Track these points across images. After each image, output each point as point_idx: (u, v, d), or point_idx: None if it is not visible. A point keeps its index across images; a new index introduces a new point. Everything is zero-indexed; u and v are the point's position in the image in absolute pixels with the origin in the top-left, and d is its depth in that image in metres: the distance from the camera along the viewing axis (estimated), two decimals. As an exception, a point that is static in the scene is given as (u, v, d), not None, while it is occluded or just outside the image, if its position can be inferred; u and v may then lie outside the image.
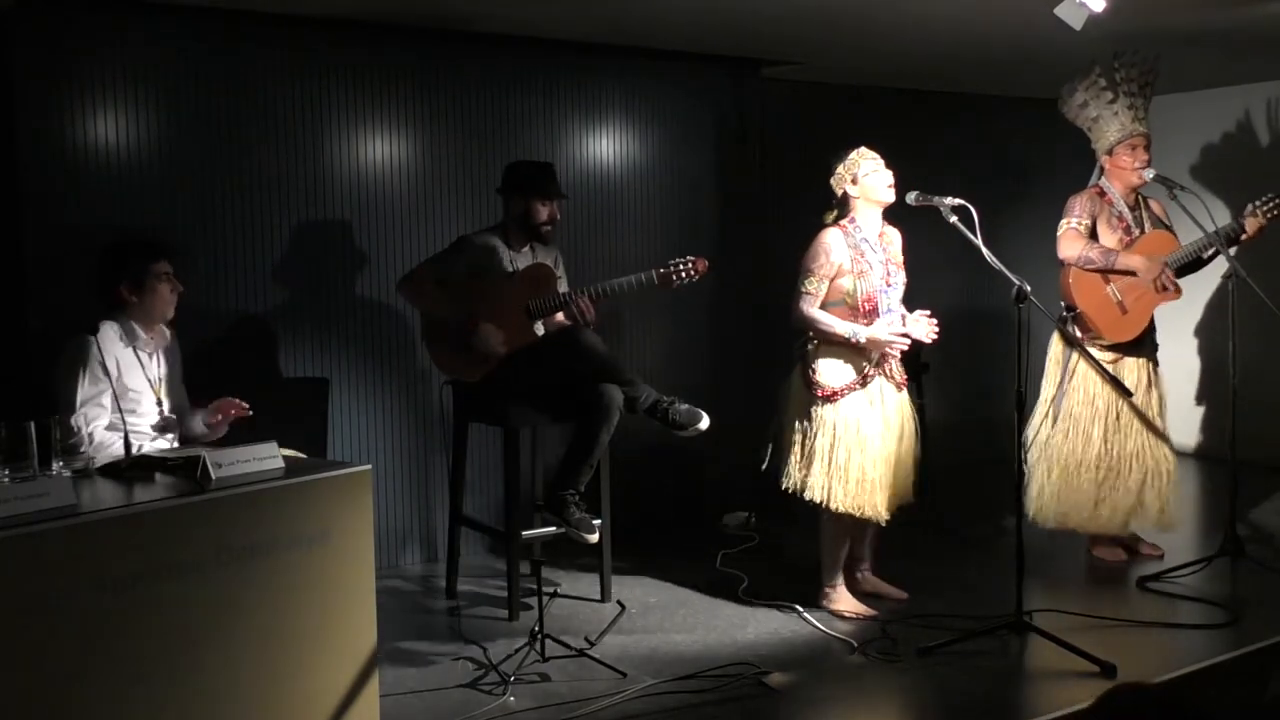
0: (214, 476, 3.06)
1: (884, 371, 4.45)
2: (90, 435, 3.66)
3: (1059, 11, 4.46)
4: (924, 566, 5.04)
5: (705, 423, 4.44)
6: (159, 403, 3.91)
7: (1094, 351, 5.06)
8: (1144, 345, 5.15)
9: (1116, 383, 5.02)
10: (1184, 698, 2.01)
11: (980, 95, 7.36)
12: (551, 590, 4.58)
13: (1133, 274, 5.01)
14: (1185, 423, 7.03)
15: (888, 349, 4.38)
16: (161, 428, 3.90)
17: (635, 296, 4.75)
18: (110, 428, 3.69)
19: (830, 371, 4.41)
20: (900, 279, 4.51)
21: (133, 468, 3.24)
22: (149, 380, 3.89)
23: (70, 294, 4.37)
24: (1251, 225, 5.03)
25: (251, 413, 3.95)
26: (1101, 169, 5.19)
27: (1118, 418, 5.08)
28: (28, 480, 2.81)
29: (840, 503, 4.39)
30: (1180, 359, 7.24)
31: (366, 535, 3.31)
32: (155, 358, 3.95)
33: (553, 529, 4.58)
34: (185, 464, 3.15)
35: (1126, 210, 5.11)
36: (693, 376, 5.99)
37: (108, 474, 3.24)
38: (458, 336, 4.59)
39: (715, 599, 4.79)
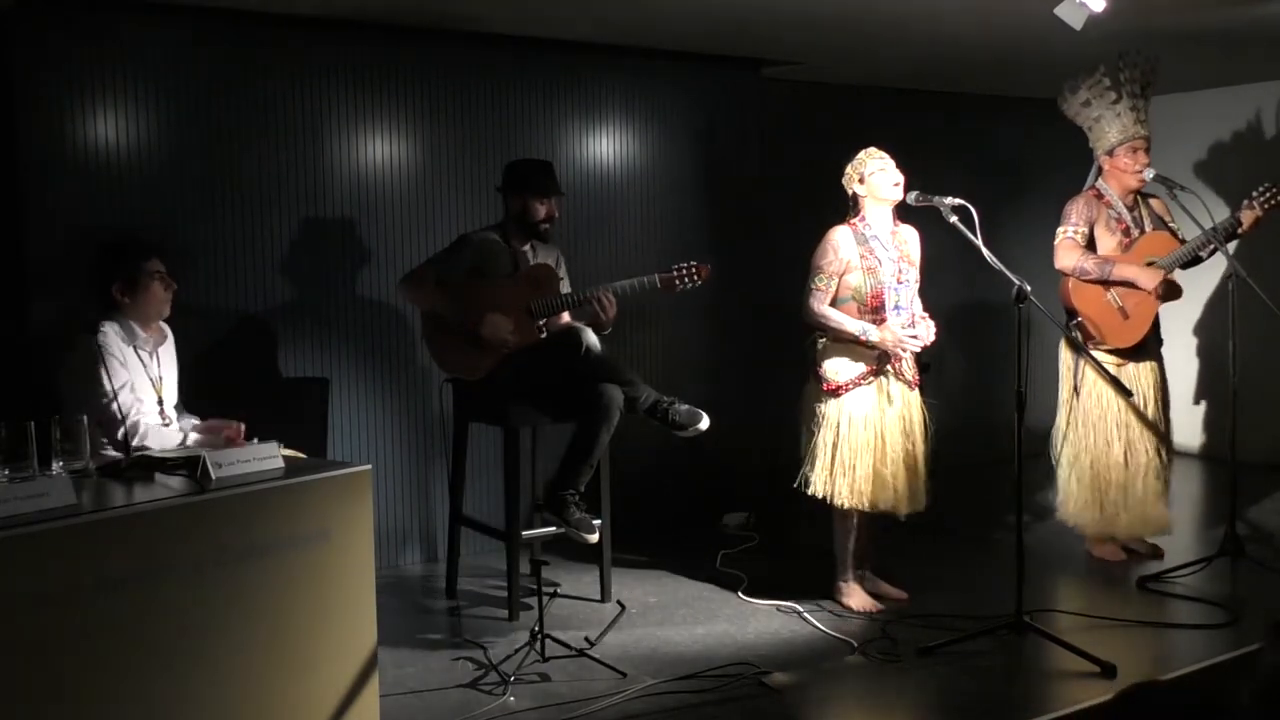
0: (214, 476, 3.06)
1: (895, 370, 4.46)
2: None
3: (1059, 11, 4.46)
4: (924, 566, 5.05)
5: (705, 423, 4.44)
6: (160, 401, 3.91)
7: (1099, 355, 5.06)
8: (1148, 349, 5.15)
9: (1116, 383, 5.02)
10: (1203, 695, 2.01)
11: (980, 95, 7.37)
12: (551, 590, 4.58)
13: (1132, 284, 5.01)
14: (1185, 423, 7.03)
15: (897, 348, 4.38)
16: (165, 426, 3.90)
17: (636, 298, 4.75)
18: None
19: (837, 367, 4.45)
20: (913, 276, 4.53)
21: (133, 468, 3.24)
22: (150, 379, 3.89)
23: (70, 294, 4.38)
24: (1248, 217, 5.03)
25: (242, 437, 3.93)
26: (1099, 169, 5.18)
27: (1125, 424, 5.08)
28: (28, 480, 2.81)
29: (845, 499, 4.41)
30: (1180, 359, 7.24)
31: (366, 535, 3.31)
32: (155, 356, 3.95)
33: (553, 529, 4.58)
34: (185, 464, 3.15)
35: (1125, 211, 5.11)
36: (693, 377, 5.99)
37: (108, 474, 3.24)
38: (459, 334, 4.59)
39: (715, 599, 4.79)
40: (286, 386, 5.08)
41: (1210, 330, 7.28)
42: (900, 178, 4.46)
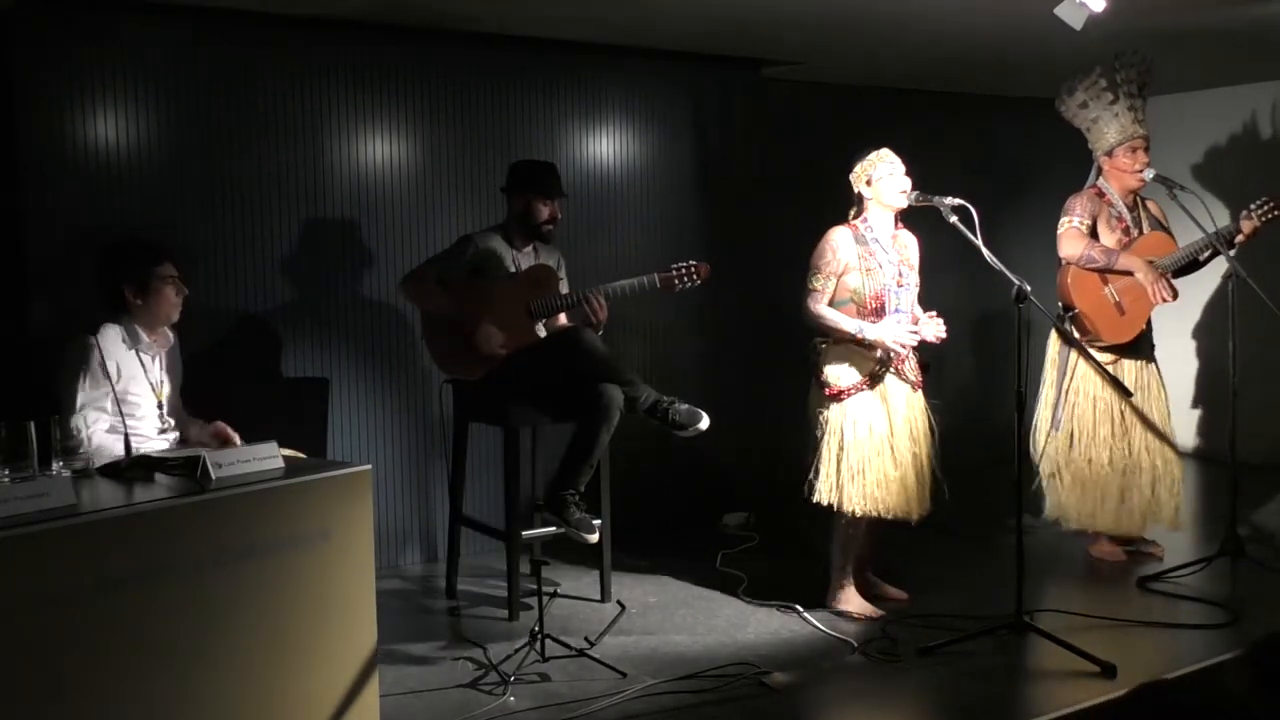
0: (214, 476, 3.06)
1: (898, 372, 4.45)
2: (89, 438, 3.65)
3: (1059, 11, 4.45)
4: (924, 566, 5.05)
5: (705, 423, 4.44)
6: (159, 406, 3.90)
7: (1093, 352, 5.06)
8: (1141, 347, 5.16)
9: (1117, 383, 5.02)
10: (1205, 694, 2.01)
11: (980, 95, 7.37)
12: (551, 590, 4.58)
13: (1130, 274, 5.01)
14: (1185, 423, 7.03)
15: (895, 345, 4.37)
16: (161, 431, 3.90)
17: (636, 298, 4.75)
18: (111, 430, 3.68)
19: (839, 371, 4.43)
20: (912, 280, 4.52)
21: (133, 468, 3.24)
22: (150, 384, 3.88)
23: (70, 294, 4.38)
24: (1247, 228, 5.04)
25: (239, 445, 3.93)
26: (1099, 169, 5.18)
27: (1122, 418, 5.09)
28: (28, 480, 2.81)
29: (856, 505, 4.37)
30: (1180, 359, 7.24)
31: (366, 535, 3.31)
32: (157, 360, 3.94)
33: (553, 529, 4.58)
34: (185, 464, 3.15)
35: (1125, 211, 5.11)
36: (692, 377, 5.99)
37: (108, 474, 3.24)
38: (459, 335, 4.59)
39: (715, 599, 4.79)
40: (286, 386, 5.09)
41: (1210, 331, 7.28)
42: (908, 184, 4.42)
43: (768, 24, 5.31)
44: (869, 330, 4.35)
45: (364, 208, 5.25)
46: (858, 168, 4.48)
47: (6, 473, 2.83)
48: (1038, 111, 6.41)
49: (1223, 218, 5.25)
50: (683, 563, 5.26)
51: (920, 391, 4.55)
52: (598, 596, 4.79)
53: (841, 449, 4.40)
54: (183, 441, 3.95)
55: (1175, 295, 5.08)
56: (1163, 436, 5.14)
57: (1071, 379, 5.12)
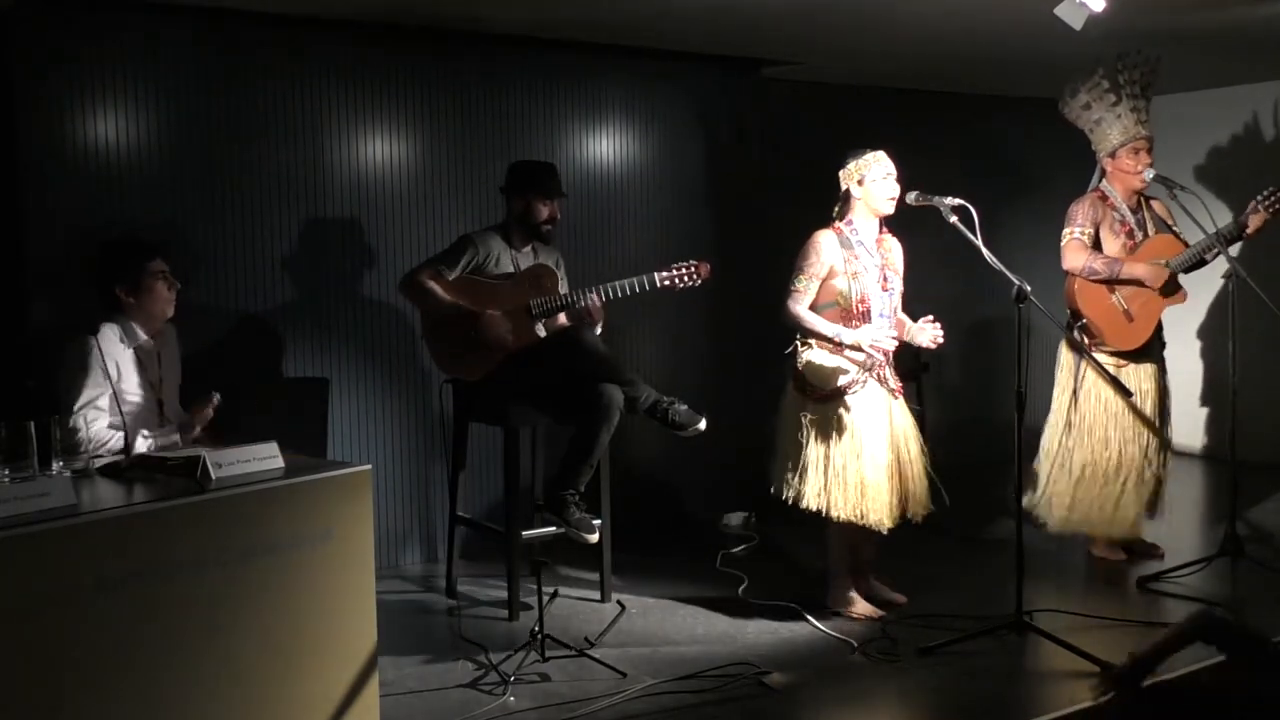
0: (214, 476, 3.06)
1: (879, 378, 4.42)
2: (89, 435, 3.65)
3: (1059, 11, 4.45)
4: (924, 566, 5.04)
5: (704, 424, 4.44)
6: (159, 404, 3.91)
7: (1101, 357, 5.05)
8: (1151, 351, 5.14)
9: (1117, 383, 5.02)
10: (1204, 694, 2.03)
11: (980, 95, 7.37)
12: (551, 590, 4.58)
13: (1139, 283, 5.00)
14: (1187, 423, 7.03)
15: (871, 352, 4.34)
16: (161, 429, 3.90)
17: (636, 298, 4.75)
18: (110, 427, 3.69)
19: (820, 374, 4.38)
20: (897, 285, 4.49)
21: (133, 468, 3.24)
22: (149, 382, 3.89)
23: (70, 294, 4.38)
24: (1255, 221, 5.01)
25: (218, 397, 3.91)
26: (1102, 171, 5.18)
27: (1130, 424, 5.08)
28: (28, 480, 2.81)
29: (841, 510, 4.34)
30: (1181, 359, 7.23)
31: (366, 535, 3.31)
32: (155, 358, 3.94)
33: (553, 529, 4.58)
34: (185, 464, 3.15)
35: (1129, 214, 5.10)
36: (692, 377, 5.99)
37: (108, 474, 3.24)
38: (459, 334, 4.59)
39: (715, 599, 4.79)
40: (286, 386, 5.09)
41: (1211, 331, 7.28)
42: (897, 191, 4.37)
43: (768, 24, 5.31)
44: (846, 335, 4.32)
45: (364, 207, 5.25)
46: (851, 165, 4.42)
47: (6, 473, 2.83)
48: (1038, 111, 6.42)
49: (1223, 218, 5.24)
50: (683, 563, 5.26)
51: (901, 399, 4.51)
52: (598, 596, 4.79)
53: (829, 455, 4.34)
54: (183, 436, 3.95)
55: (1185, 297, 5.07)
56: (1161, 440, 5.13)
57: (1082, 384, 5.12)
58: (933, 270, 4.79)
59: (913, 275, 4.61)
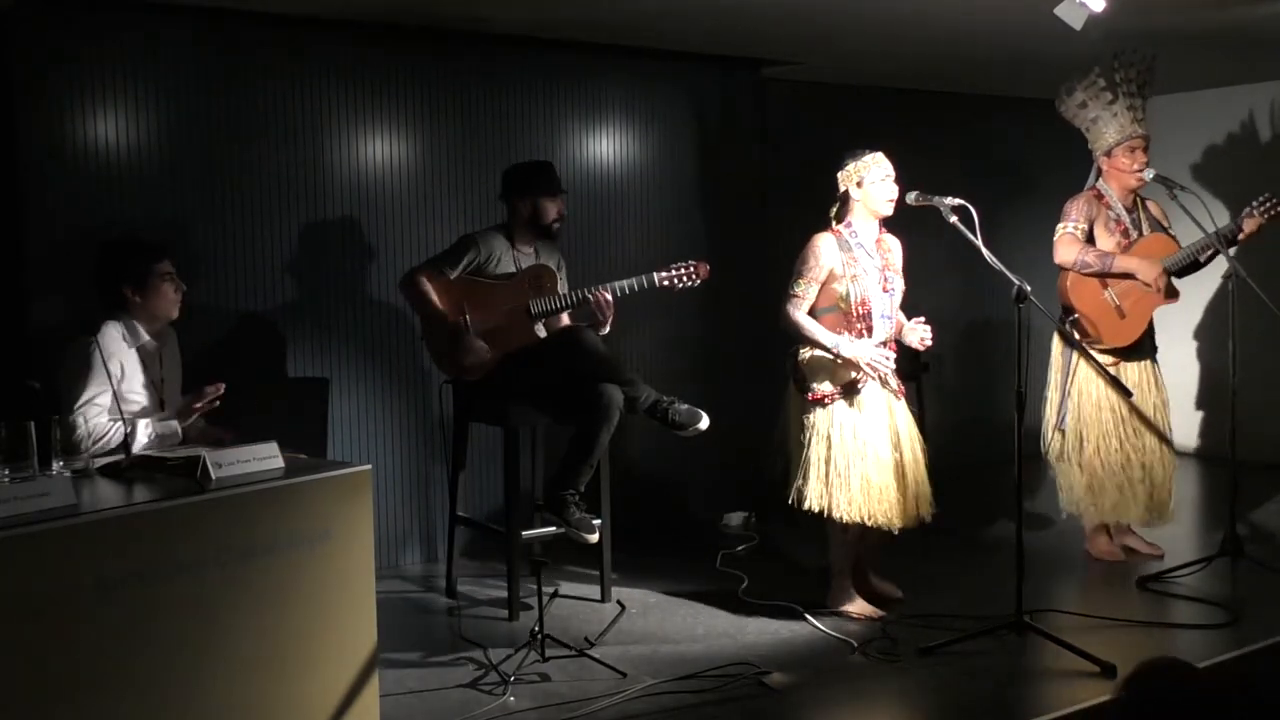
0: (214, 476, 3.06)
1: (880, 380, 4.40)
2: (88, 431, 3.65)
3: (1059, 11, 4.45)
4: (924, 566, 5.04)
5: (705, 423, 4.44)
6: (161, 404, 3.91)
7: (1094, 354, 5.06)
8: (1143, 348, 5.15)
9: (1117, 383, 5.02)
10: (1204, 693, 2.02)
11: (980, 95, 7.37)
12: (551, 590, 4.58)
13: (1131, 277, 5.01)
14: (1186, 423, 7.03)
15: (866, 370, 4.33)
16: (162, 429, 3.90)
17: (635, 297, 4.75)
18: (109, 420, 3.68)
19: (820, 377, 4.38)
20: (898, 285, 4.49)
21: (133, 468, 3.24)
22: (151, 382, 3.89)
23: (70, 294, 4.38)
24: (1250, 225, 5.03)
25: (223, 388, 3.89)
26: (1099, 170, 5.18)
27: (1123, 419, 5.09)
28: (28, 480, 2.81)
29: (844, 512, 4.33)
30: (1181, 359, 7.24)
31: (366, 535, 3.31)
32: (157, 358, 3.95)
33: (553, 529, 4.58)
34: (185, 464, 3.15)
35: (1124, 213, 5.11)
36: (692, 376, 5.99)
37: (108, 474, 3.24)
38: (457, 336, 4.59)
39: (715, 599, 4.79)
40: (286, 386, 5.09)
41: (1210, 331, 7.28)
42: (895, 193, 4.37)
43: (768, 24, 5.31)
44: (845, 348, 4.30)
45: (364, 208, 5.25)
46: (849, 167, 4.41)
47: (6, 473, 2.83)
48: (1038, 111, 6.41)
49: (1223, 218, 5.24)
50: (683, 563, 5.26)
51: (904, 400, 4.51)
52: (598, 596, 4.79)
53: (830, 456, 4.34)
54: (184, 441, 3.95)
55: (1178, 296, 5.08)
56: (1161, 436, 5.14)
57: (1074, 380, 5.12)
58: (932, 270, 4.79)
59: (912, 275, 4.61)
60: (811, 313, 4.39)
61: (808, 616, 4.49)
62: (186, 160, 4.83)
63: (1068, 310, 5.11)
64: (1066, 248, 5.06)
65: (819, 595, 4.60)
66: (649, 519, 5.70)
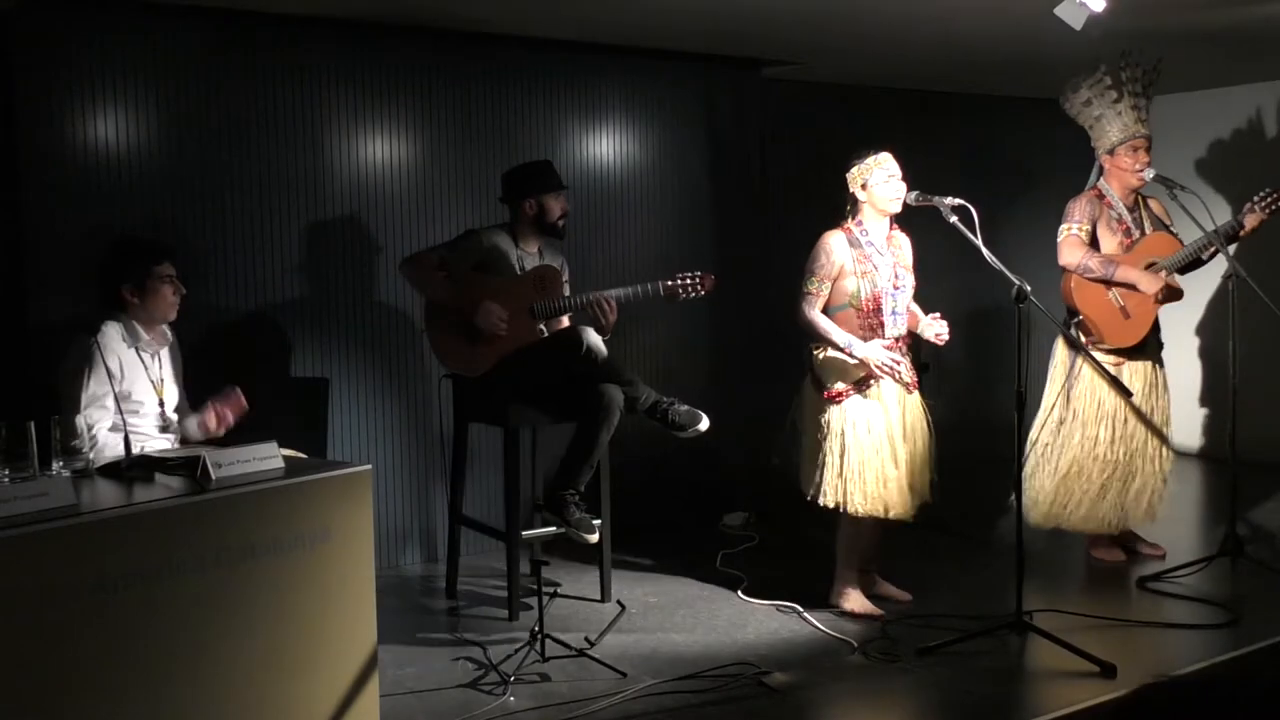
0: (214, 476, 3.06)
1: (894, 376, 4.44)
2: (94, 438, 3.65)
3: (1059, 11, 4.45)
4: (924, 566, 5.04)
5: (705, 424, 4.45)
6: (160, 404, 3.91)
7: (1098, 355, 5.06)
8: (1148, 348, 5.14)
9: (1117, 384, 5.02)
10: (1206, 693, 2.01)
11: (980, 95, 7.36)
12: (551, 590, 4.58)
13: (1133, 287, 5.00)
14: (1186, 423, 7.03)
15: (875, 371, 4.37)
16: (163, 429, 3.90)
17: (638, 303, 4.75)
18: (113, 429, 3.69)
19: (835, 372, 4.43)
20: (908, 282, 4.52)
21: (133, 468, 3.24)
22: (151, 381, 3.89)
23: (70, 294, 4.38)
24: (1251, 221, 5.03)
25: (245, 404, 3.94)
26: (1101, 168, 5.18)
27: (1125, 420, 5.08)
28: (28, 480, 2.81)
29: (859, 506, 4.38)
30: (1181, 359, 7.23)
31: (366, 535, 3.31)
32: (157, 359, 3.95)
33: (553, 529, 4.58)
34: (185, 464, 3.15)
35: (1126, 212, 5.11)
36: (692, 377, 5.99)
37: (108, 474, 3.24)
38: (461, 329, 4.58)
39: (715, 599, 4.79)
40: (286, 386, 5.09)
41: (1211, 330, 7.28)
42: (903, 190, 4.41)
43: (768, 24, 5.31)
44: (857, 348, 4.36)
45: (364, 208, 5.25)
46: (854, 169, 4.46)
47: (6, 473, 2.83)
48: (1038, 111, 6.42)
49: (1223, 217, 5.24)
50: (683, 563, 5.26)
51: (917, 393, 4.55)
52: (598, 596, 4.79)
53: (843, 450, 4.40)
54: (184, 442, 3.95)
55: (1180, 295, 5.08)
56: (1160, 438, 5.13)
57: (1077, 381, 5.11)
58: (932, 270, 4.78)
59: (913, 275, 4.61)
60: (826, 309, 4.44)
61: (807, 617, 4.50)
62: (186, 160, 4.83)
63: (1072, 312, 5.11)
64: (1071, 250, 5.05)
65: (819, 595, 4.61)
66: (649, 519, 5.69)
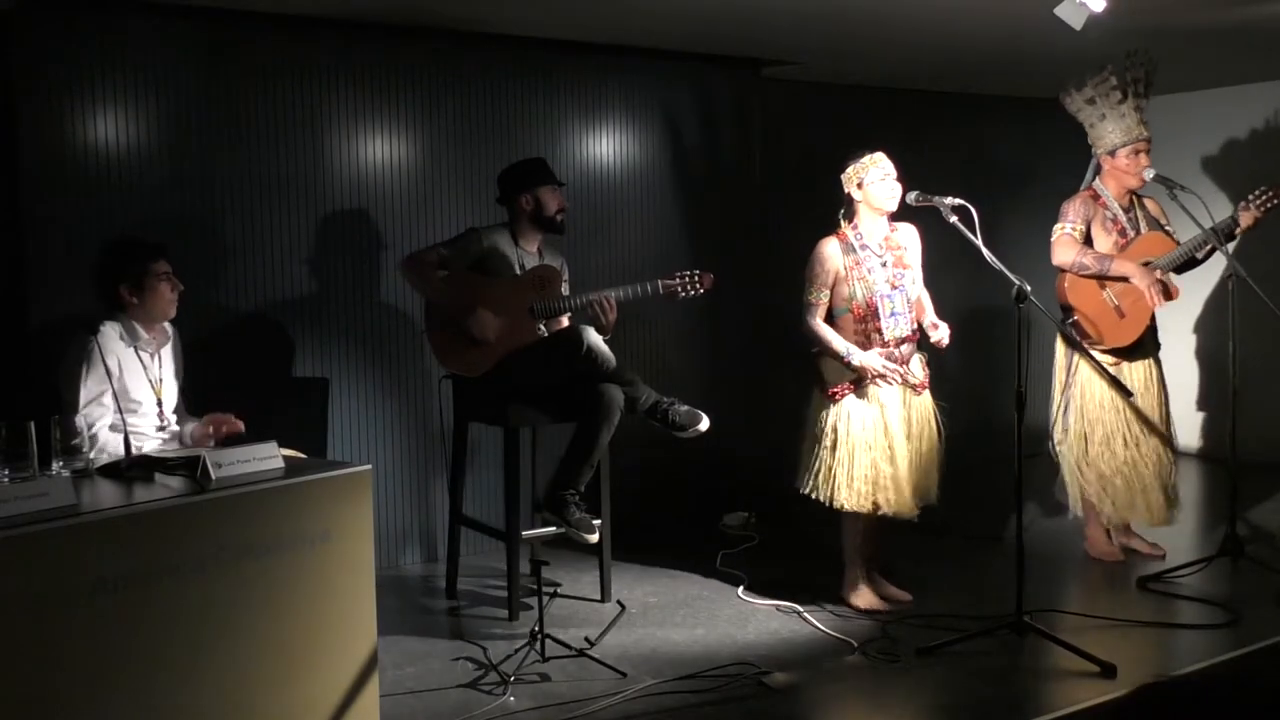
0: (214, 476, 3.06)
1: (901, 377, 4.47)
2: (94, 436, 3.65)
3: (1059, 11, 4.45)
4: (924, 566, 5.04)
5: (705, 424, 4.45)
6: (159, 404, 3.91)
7: (1095, 354, 5.06)
8: (1145, 347, 5.15)
9: (1117, 384, 5.02)
10: (1207, 692, 2.01)
11: (980, 95, 7.36)
12: (551, 590, 4.58)
13: (1128, 280, 5.00)
14: (1186, 423, 7.02)
15: (875, 378, 4.41)
16: (161, 428, 3.90)
17: (637, 302, 4.75)
18: (112, 428, 3.69)
19: (835, 370, 4.46)
20: (910, 278, 4.53)
21: (133, 468, 3.24)
22: (150, 381, 3.89)
23: (70, 294, 4.37)
24: (1246, 218, 5.02)
25: (243, 428, 3.94)
26: (1098, 168, 5.18)
27: (1128, 420, 5.08)
28: (28, 480, 2.81)
29: (844, 501, 4.41)
30: (1181, 359, 7.24)
31: (366, 535, 3.31)
32: (156, 358, 3.95)
33: (553, 529, 4.58)
34: (185, 464, 3.15)
35: (1121, 212, 5.10)
36: (692, 377, 5.99)
37: (108, 474, 3.24)
38: (461, 330, 4.59)
39: (715, 599, 4.79)
40: (286, 386, 5.09)
41: (1210, 330, 7.27)
42: (899, 189, 4.43)
43: (768, 24, 5.31)
44: (855, 357, 4.41)
45: (364, 208, 5.25)
46: (850, 169, 4.48)
47: (6, 473, 2.83)
48: (1038, 111, 6.42)
49: (1222, 217, 5.23)
50: (683, 563, 5.26)
51: (926, 393, 4.56)
52: (598, 596, 4.79)
53: (835, 447, 4.44)
54: (182, 440, 3.95)
55: (1176, 293, 5.08)
56: (1162, 436, 5.13)
57: (1075, 380, 5.12)
58: (932, 271, 4.78)
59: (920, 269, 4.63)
60: (830, 313, 4.48)
61: (807, 617, 4.50)
62: (186, 160, 4.83)
63: (1067, 311, 5.11)
64: (1064, 249, 5.06)
65: (818, 594, 4.61)
66: (649, 519, 5.69)
